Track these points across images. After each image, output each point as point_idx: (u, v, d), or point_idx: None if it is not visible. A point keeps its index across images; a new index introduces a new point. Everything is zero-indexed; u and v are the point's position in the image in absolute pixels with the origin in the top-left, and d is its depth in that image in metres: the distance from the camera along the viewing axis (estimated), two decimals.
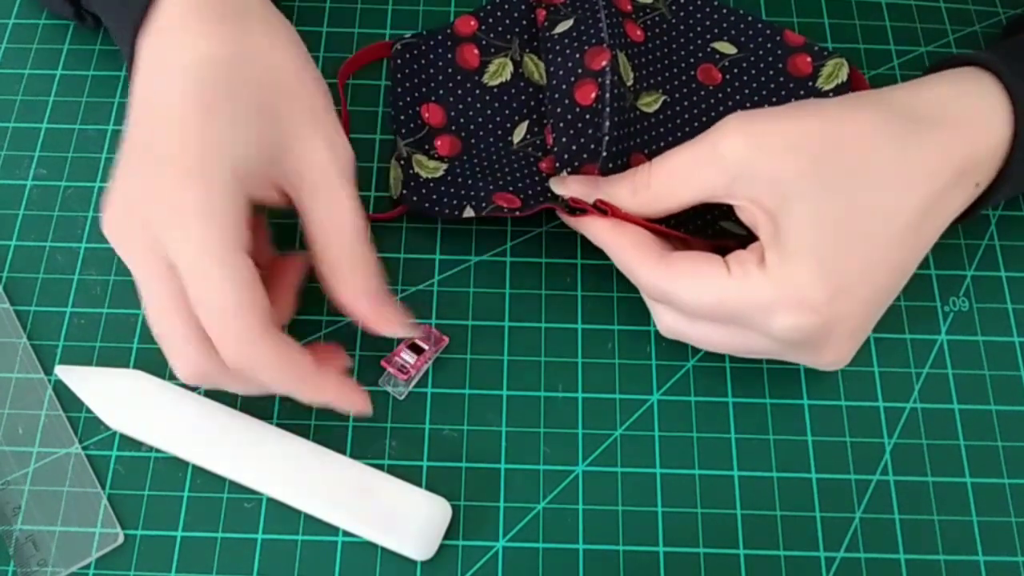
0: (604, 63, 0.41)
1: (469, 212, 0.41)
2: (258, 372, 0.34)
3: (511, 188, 0.41)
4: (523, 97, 0.45)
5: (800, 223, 0.34)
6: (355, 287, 0.36)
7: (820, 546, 0.38)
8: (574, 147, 0.41)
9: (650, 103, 0.43)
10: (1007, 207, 0.45)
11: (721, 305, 0.35)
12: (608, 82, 0.41)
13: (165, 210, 0.33)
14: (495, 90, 0.45)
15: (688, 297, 0.35)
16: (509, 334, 0.42)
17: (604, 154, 0.40)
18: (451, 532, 0.38)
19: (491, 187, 0.41)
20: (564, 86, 0.42)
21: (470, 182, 0.42)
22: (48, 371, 0.41)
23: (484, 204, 0.40)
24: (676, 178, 0.36)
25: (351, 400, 0.36)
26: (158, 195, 0.33)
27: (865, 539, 0.38)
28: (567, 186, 0.39)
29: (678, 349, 0.41)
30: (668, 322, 0.38)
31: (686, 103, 0.44)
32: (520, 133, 0.44)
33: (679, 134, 0.43)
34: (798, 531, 0.38)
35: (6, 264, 0.43)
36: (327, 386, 0.35)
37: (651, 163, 0.37)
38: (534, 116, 0.44)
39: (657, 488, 0.39)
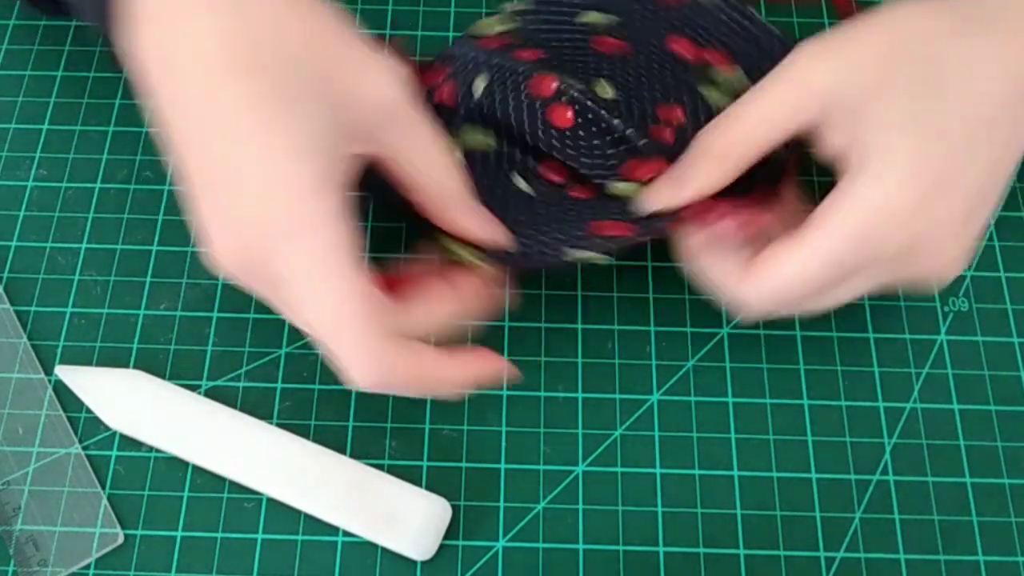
0: (555, 84, 0.38)
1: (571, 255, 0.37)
2: (392, 389, 0.33)
3: (565, 234, 0.37)
4: (489, 159, 0.41)
5: (888, 136, 0.33)
6: (466, 213, 0.35)
7: (820, 546, 0.38)
8: (598, 155, 0.38)
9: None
10: (1007, 207, 0.45)
11: (826, 263, 0.34)
12: (575, 94, 0.38)
13: (272, 224, 0.30)
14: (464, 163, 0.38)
15: (794, 285, 0.35)
16: (509, 334, 0.42)
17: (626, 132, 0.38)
18: (451, 532, 0.38)
19: (561, 235, 0.37)
20: (538, 125, 0.39)
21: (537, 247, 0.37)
22: (48, 371, 0.41)
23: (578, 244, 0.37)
24: (765, 124, 0.36)
25: (495, 374, 0.36)
26: (253, 210, 0.30)
27: (865, 539, 0.38)
28: (659, 195, 0.37)
29: (678, 349, 0.41)
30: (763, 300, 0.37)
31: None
32: (522, 184, 0.40)
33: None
34: (798, 531, 0.38)
35: (6, 264, 0.43)
36: (468, 375, 0.34)
37: (727, 122, 0.36)
38: (517, 166, 0.40)
39: (657, 488, 0.39)
